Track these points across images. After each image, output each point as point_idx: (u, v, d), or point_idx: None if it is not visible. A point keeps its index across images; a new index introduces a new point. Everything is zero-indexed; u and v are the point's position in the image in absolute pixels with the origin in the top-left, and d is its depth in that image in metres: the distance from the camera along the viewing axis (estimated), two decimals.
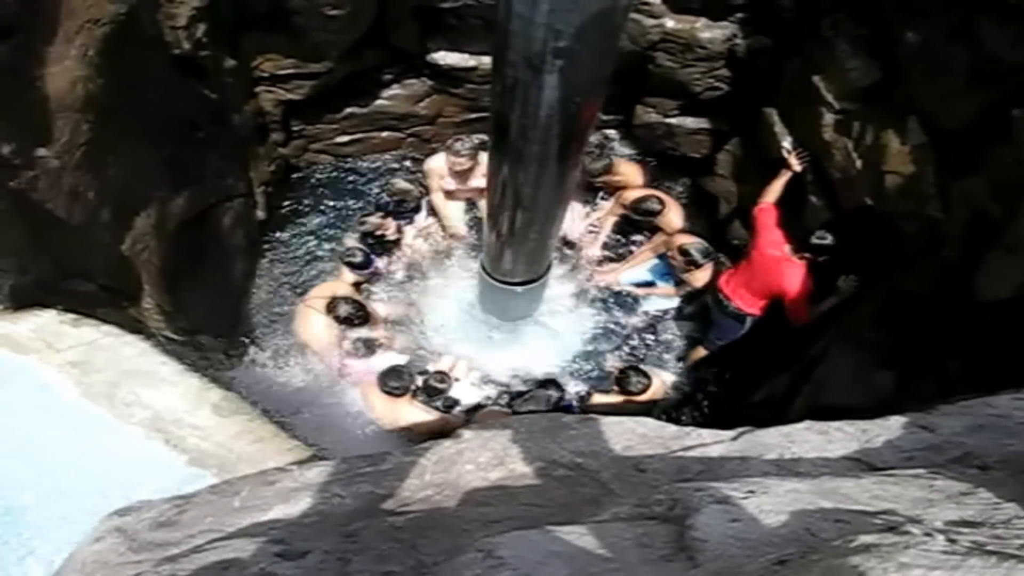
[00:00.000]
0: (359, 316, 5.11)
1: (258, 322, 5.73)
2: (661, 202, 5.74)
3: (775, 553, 1.25)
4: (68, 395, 3.14)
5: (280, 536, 1.81)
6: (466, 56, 6.04)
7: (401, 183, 6.10)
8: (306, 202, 6.55)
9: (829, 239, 4.55)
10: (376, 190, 6.63)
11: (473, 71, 6.12)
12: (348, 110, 6.37)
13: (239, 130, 5.44)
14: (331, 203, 6.58)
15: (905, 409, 2.16)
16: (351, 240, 6.07)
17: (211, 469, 3.01)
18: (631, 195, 5.89)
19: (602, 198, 6.40)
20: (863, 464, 1.91)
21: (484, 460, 2.24)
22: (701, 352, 5.67)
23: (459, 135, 6.72)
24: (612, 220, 6.25)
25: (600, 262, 6.27)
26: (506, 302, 5.02)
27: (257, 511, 2.07)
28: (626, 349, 5.92)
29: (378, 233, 5.89)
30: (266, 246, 6.18)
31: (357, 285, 5.84)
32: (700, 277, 5.58)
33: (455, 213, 6.28)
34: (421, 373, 5.13)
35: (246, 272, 5.86)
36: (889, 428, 2.06)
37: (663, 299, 5.98)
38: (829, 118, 4.55)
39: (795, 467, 1.95)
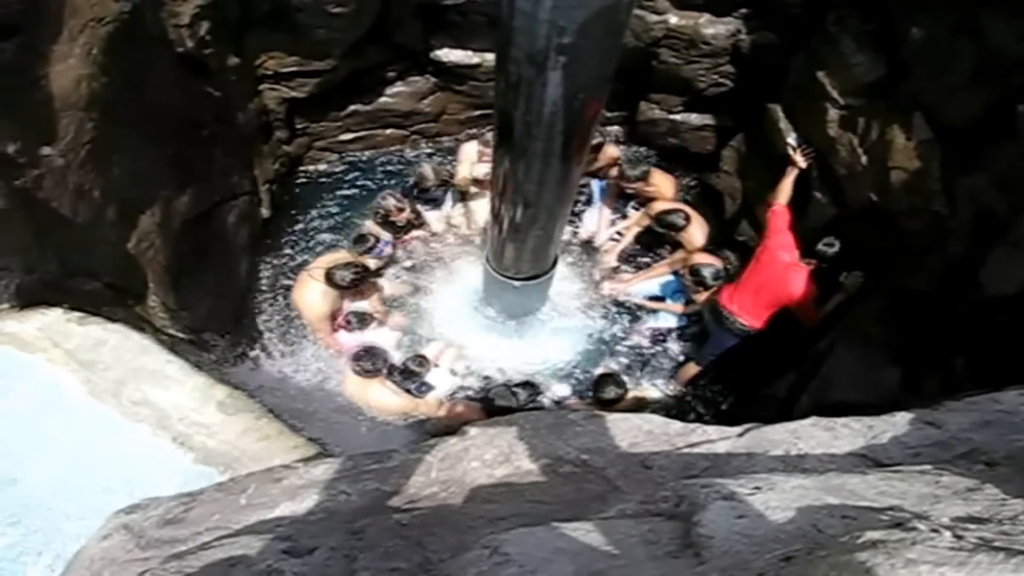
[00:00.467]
0: (357, 279, 5.03)
1: (263, 319, 5.73)
2: (687, 217, 5.58)
3: (782, 549, 1.24)
4: (75, 393, 3.15)
5: (287, 533, 1.81)
6: (470, 53, 6.04)
7: (426, 168, 6.06)
8: (310, 199, 6.55)
9: (836, 247, 4.50)
10: (377, 188, 6.62)
11: (477, 68, 6.12)
12: (352, 107, 6.38)
13: (243, 128, 5.44)
14: (335, 200, 6.58)
15: (911, 406, 2.16)
16: (370, 224, 6.09)
17: (218, 467, 3.02)
18: (658, 207, 5.79)
19: (633, 206, 6.32)
20: (869, 460, 1.91)
21: (490, 457, 2.24)
22: (692, 370, 5.55)
23: (468, 132, 6.75)
24: (636, 230, 6.18)
25: (616, 270, 6.22)
26: (509, 297, 5.03)
27: (264, 508, 2.08)
28: (624, 360, 5.84)
29: (391, 218, 5.89)
30: (270, 243, 6.18)
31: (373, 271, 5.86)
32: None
33: (482, 205, 6.21)
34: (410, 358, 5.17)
35: (250, 270, 5.86)
36: (895, 424, 2.05)
37: (669, 316, 5.88)
38: (834, 114, 4.54)
39: (801, 463, 1.95)
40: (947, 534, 1.14)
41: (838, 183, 4.64)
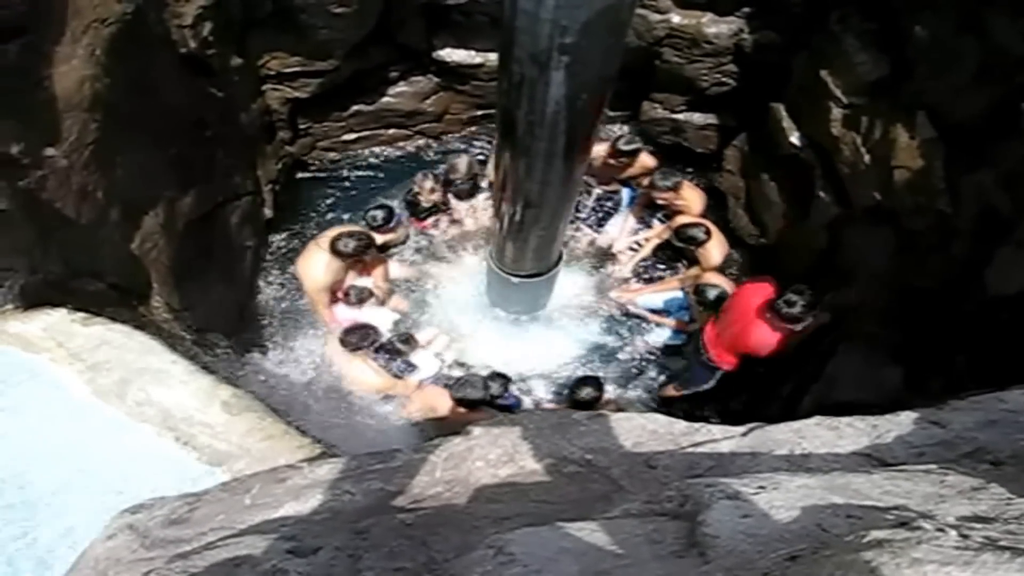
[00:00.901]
0: (361, 248, 5.02)
1: (266, 320, 5.74)
2: (707, 232, 5.49)
3: (786, 549, 1.24)
4: (79, 394, 3.15)
5: (291, 533, 1.81)
6: (472, 53, 6.05)
7: (461, 160, 6.05)
8: (313, 200, 6.56)
9: (798, 305, 4.22)
10: (380, 188, 6.64)
11: (479, 68, 6.13)
12: (355, 108, 6.39)
13: (246, 128, 5.45)
14: (338, 200, 6.59)
15: (915, 405, 2.15)
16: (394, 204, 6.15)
17: (222, 467, 3.02)
18: (680, 220, 5.72)
19: (659, 218, 6.27)
20: (874, 460, 1.91)
21: (494, 457, 2.24)
22: (670, 391, 5.53)
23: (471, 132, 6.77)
24: (656, 242, 6.13)
25: (627, 280, 6.19)
26: (510, 293, 5.04)
27: (268, 508, 2.08)
28: (616, 369, 5.81)
29: (419, 197, 5.96)
30: (273, 243, 6.19)
31: (382, 247, 5.92)
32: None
33: None
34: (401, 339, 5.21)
35: (253, 270, 5.88)
36: (900, 424, 2.05)
37: (667, 331, 5.82)
38: (837, 113, 4.54)
39: (806, 463, 1.95)
40: (952, 533, 1.14)
41: (841, 182, 4.64)
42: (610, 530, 1.52)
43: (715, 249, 5.53)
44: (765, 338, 4.40)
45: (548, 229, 4.03)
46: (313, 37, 5.21)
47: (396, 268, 5.97)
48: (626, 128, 6.79)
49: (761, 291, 4.51)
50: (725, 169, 6.14)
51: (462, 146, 7.01)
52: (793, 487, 1.48)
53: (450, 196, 6.21)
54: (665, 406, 5.50)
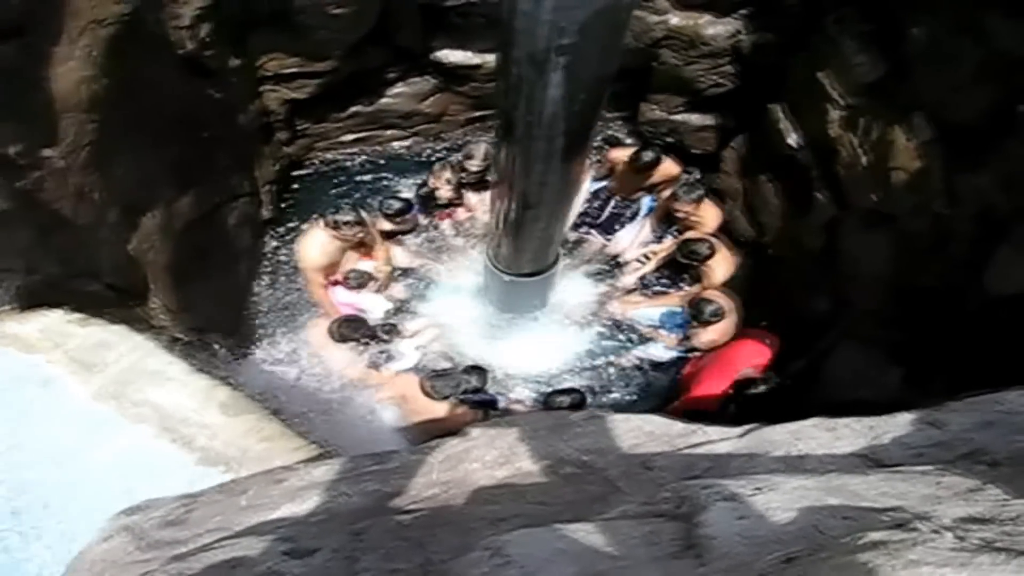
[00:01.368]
0: (355, 224, 5.02)
1: (264, 320, 5.74)
2: (711, 248, 5.41)
3: (783, 550, 1.24)
4: (76, 395, 3.15)
5: (288, 534, 1.81)
6: (470, 54, 6.04)
7: (479, 147, 5.98)
8: (311, 201, 6.55)
9: (761, 385, 4.31)
10: (378, 189, 6.64)
11: (478, 69, 6.12)
12: (353, 109, 6.39)
13: (244, 129, 5.45)
14: (336, 201, 6.57)
15: (913, 406, 2.15)
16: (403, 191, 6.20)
17: (219, 468, 3.01)
18: (688, 235, 5.66)
19: (672, 232, 6.17)
20: (871, 461, 1.91)
21: (491, 458, 2.24)
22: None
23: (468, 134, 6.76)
24: (664, 256, 6.03)
25: (631, 291, 6.10)
26: (506, 292, 5.04)
27: (265, 510, 2.08)
28: (602, 379, 5.73)
29: (433, 188, 5.97)
30: (271, 244, 6.19)
31: (391, 235, 5.96)
32: (703, 338, 5.24)
33: None
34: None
35: (251, 270, 5.87)
36: (897, 425, 2.05)
37: (659, 347, 5.68)
38: (835, 114, 4.54)
39: (803, 464, 1.95)
40: (949, 535, 1.14)
41: (840, 183, 4.63)
42: (607, 531, 1.51)
43: (719, 267, 5.47)
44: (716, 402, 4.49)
45: (547, 230, 4.03)
46: (311, 38, 5.20)
47: (400, 255, 5.97)
48: (637, 135, 6.78)
49: (753, 355, 4.60)
50: (723, 170, 6.14)
51: (460, 145, 6.95)
52: (790, 488, 1.48)
53: (464, 190, 6.19)
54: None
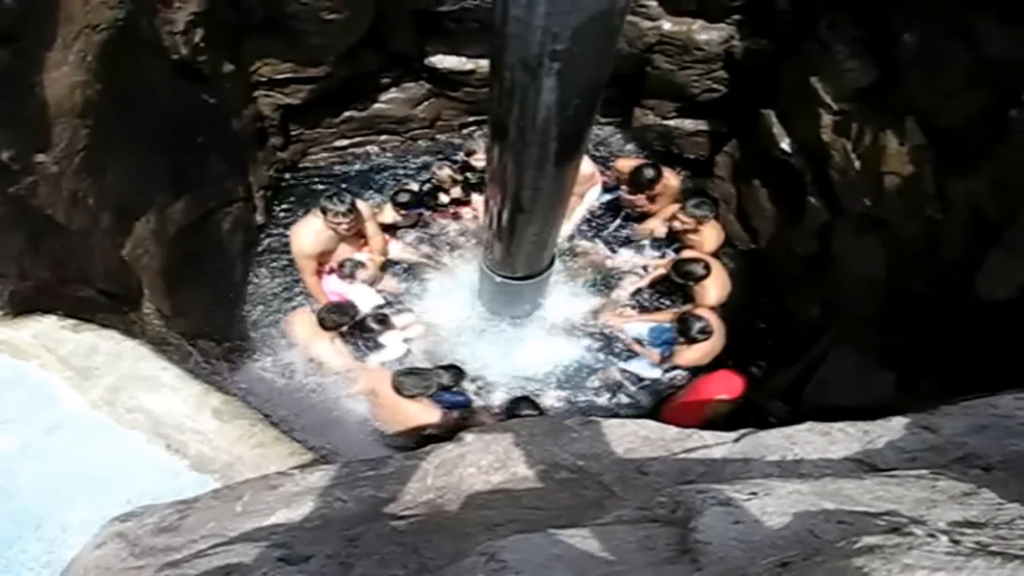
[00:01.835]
0: (348, 211, 4.97)
1: (257, 326, 5.72)
2: (706, 267, 5.32)
3: (778, 555, 1.24)
4: (69, 401, 3.14)
5: (282, 540, 1.81)
6: (464, 59, 6.05)
7: (476, 144, 6.01)
8: (305, 206, 6.52)
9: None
10: (372, 195, 6.63)
11: (471, 74, 6.13)
12: (346, 114, 6.40)
13: (238, 134, 5.44)
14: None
15: (907, 410, 2.16)
16: (414, 185, 6.20)
17: (213, 474, 3.00)
18: (684, 255, 5.59)
19: (672, 250, 6.09)
20: (865, 465, 1.91)
21: (486, 463, 2.24)
22: None
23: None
24: (659, 273, 5.92)
25: (625, 306, 6.01)
26: (498, 295, 5.05)
27: (259, 516, 2.07)
28: (582, 391, 5.62)
29: (437, 186, 5.97)
30: (265, 250, 6.18)
31: (393, 227, 5.98)
32: (686, 356, 5.16)
33: None
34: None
35: (245, 276, 5.86)
36: (891, 429, 2.06)
37: (644, 364, 5.59)
38: (827, 119, 4.56)
39: (797, 468, 1.95)
40: (944, 539, 1.14)
41: (832, 188, 4.65)
42: (602, 536, 1.51)
43: (712, 287, 5.38)
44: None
45: (540, 235, 4.04)
46: (305, 43, 5.21)
47: (398, 249, 5.97)
48: (646, 148, 6.77)
49: (726, 385, 4.60)
50: (716, 175, 6.15)
51: (459, 144, 6.95)
52: (785, 493, 1.48)
53: (472, 191, 6.18)
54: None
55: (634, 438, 2.37)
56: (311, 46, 5.25)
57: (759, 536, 1.33)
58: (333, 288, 5.39)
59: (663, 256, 6.14)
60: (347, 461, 2.39)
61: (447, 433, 4.23)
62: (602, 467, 2.19)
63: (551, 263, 4.76)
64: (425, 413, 4.49)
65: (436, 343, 5.65)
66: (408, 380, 4.49)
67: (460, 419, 4.57)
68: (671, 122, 6.41)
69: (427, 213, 6.25)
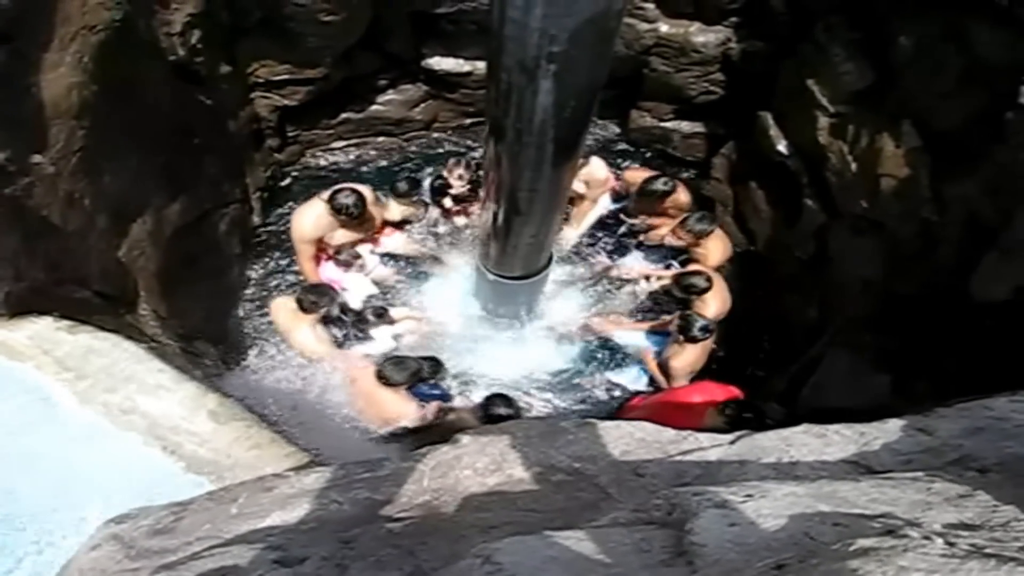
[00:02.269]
0: (356, 203, 4.91)
1: (254, 327, 5.71)
2: (708, 281, 5.15)
3: (774, 557, 1.24)
4: (64, 402, 3.13)
5: (278, 543, 1.80)
6: (461, 61, 6.05)
7: None
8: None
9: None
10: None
11: (468, 76, 6.13)
12: (343, 116, 6.39)
13: (235, 136, 5.44)
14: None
15: (902, 412, 2.16)
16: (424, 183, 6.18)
17: (208, 476, 3.00)
18: (690, 269, 5.47)
19: (678, 262, 5.97)
20: (861, 467, 1.92)
21: (482, 465, 2.23)
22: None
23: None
24: (659, 286, 5.83)
25: (620, 314, 5.94)
26: (494, 295, 5.05)
27: (255, 518, 2.07)
28: (568, 394, 5.61)
29: (445, 184, 5.91)
30: (261, 251, 6.16)
31: (399, 223, 5.94)
32: (681, 356, 5.00)
33: None
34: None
35: (241, 277, 5.85)
36: (887, 431, 2.06)
37: (635, 377, 5.55)
38: (824, 122, 4.57)
39: (793, 470, 1.95)
40: (939, 541, 1.14)
41: (829, 190, 4.66)
42: (598, 539, 1.51)
43: (713, 301, 5.25)
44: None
45: (536, 236, 4.04)
46: (302, 45, 5.20)
47: (401, 242, 5.94)
48: (664, 156, 6.73)
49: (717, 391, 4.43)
50: (713, 177, 6.16)
51: (455, 149, 6.96)
52: (780, 495, 1.48)
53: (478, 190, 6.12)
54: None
55: (630, 440, 2.37)
56: (308, 48, 5.25)
57: (755, 538, 1.33)
58: (329, 275, 5.37)
59: (668, 267, 6.03)
60: (343, 463, 2.39)
61: (424, 425, 4.35)
62: (598, 469, 2.18)
63: (548, 264, 4.76)
64: (400, 404, 4.46)
65: (427, 338, 5.63)
66: (391, 368, 4.45)
67: (439, 412, 4.54)
68: (668, 124, 6.42)
69: (433, 209, 6.20)
